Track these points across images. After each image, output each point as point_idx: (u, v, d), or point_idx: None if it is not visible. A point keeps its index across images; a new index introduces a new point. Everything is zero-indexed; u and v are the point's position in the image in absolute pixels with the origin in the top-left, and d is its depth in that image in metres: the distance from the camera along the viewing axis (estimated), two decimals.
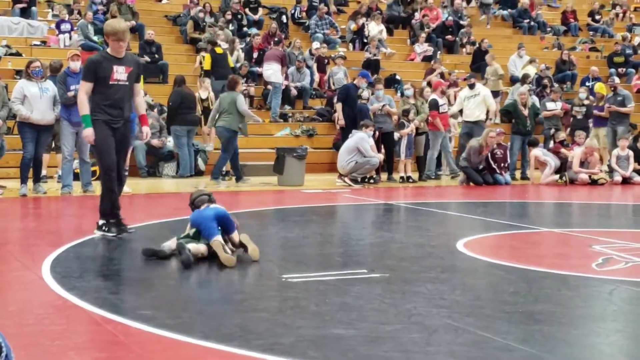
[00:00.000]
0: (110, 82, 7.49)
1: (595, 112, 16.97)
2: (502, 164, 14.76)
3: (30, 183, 11.80)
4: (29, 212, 10.51)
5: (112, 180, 7.65)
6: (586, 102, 17.35)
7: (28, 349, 4.03)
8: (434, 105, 15.06)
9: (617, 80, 18.01)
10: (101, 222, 7.73)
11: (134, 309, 4.90)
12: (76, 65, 11.53)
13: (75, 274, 6.11)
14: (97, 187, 12.00)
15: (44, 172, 12.73)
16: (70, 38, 18.35)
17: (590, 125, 17.06)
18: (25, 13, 19.39)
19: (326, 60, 19.72)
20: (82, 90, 7.55)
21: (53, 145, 12.82)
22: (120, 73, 7.52)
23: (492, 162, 14.57)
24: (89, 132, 7.48)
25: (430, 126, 15.10)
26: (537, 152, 15.33)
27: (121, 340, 4.26)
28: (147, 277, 6.11)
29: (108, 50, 7.67)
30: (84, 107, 7.52)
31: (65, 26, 18.57)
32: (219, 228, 6.58)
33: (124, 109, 7.63)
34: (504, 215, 10.76)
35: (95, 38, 18.01)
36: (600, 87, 17.44)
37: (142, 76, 8.11)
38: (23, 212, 10.49)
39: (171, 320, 4.61)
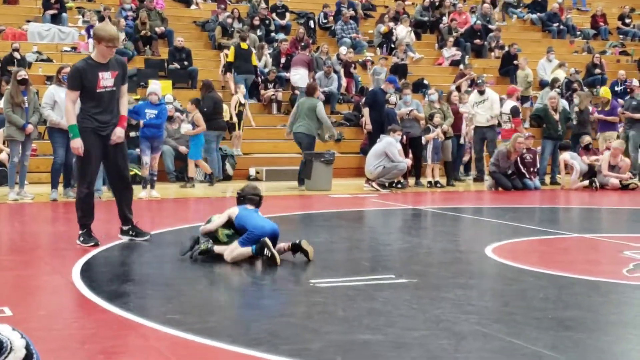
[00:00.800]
0: (98, 90, 7.33)
1: (600, 116, 16.73)
2: (532, 169, 14.65)
3: (60, 188, 11.92)
4: (60, 216, 10.61)
5: (89, 194, 7.53)
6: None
7: (57, 352, 4.06)
8: (516, 112, 15.13)
9: (635, 83, 17.78)
10: (80, 232, 7.55)
11: (162, 314, 4.92)
12: None
13: (105, 278, 6.17)
14: None
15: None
16: None
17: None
18: (55, 19, 19.61)
19: (353, 65, 19.71)
20: (69, 100, 7.37)
21: None
22: (106, 79, 7.36)
23: (521, 167, 14.47)
24: (78, 144, 7.29)
25: (508, 133, 14.95)
26: (565, 156, 15.23)
27: (150, 344, 4.29)
28: (175, 282, 6.14)
29: (92, 56, 7.48)
30: (70, 117, 7.35)
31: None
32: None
33: (113, 114, 7.47)
34: (533, 220, 10.67)
35: (125, 44, 18.18)
36: (605, 92, 17.22)
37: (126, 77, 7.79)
38: (53, 217, 10.59)
39: (199, 325, 4.63)
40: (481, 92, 15.56)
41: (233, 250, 6.69)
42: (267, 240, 6.57)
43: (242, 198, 7.10)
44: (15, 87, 11.49)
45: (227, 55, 18.11)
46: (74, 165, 11.18)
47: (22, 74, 11.63)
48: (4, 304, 5.07)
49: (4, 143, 13.07)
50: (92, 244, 7.42)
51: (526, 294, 5.69)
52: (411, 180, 14.73)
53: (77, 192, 7.67)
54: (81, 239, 7.52)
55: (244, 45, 17.68)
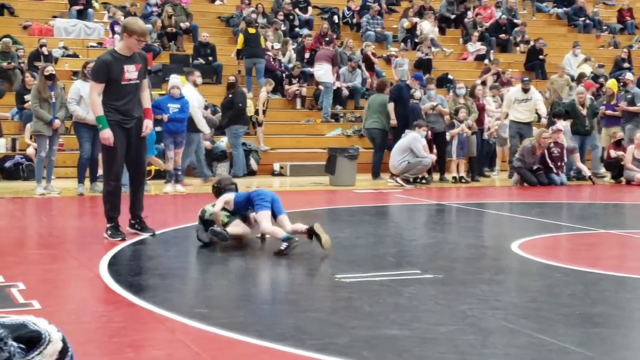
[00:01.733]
0: (123, 83, 7.38)
1: (608, 111, 16.42)
2: (559, 163, 14.55)
3: (87, 182, 12.01)
4: (86, 210, 10.69)
5: (117, 187, 7.60)
6: None
7: (86, 346, 4.10)
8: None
9: (629, 77, 17.50)
10: (107, 225, 7.64)
11: (189, 307, 4.95)
12: None
13: (132, 272, 6.21)
14: (152, 187, 12.20)
15: (100, 171, 12.93)
16: None
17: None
18: (81, 15, 19.75)
19: (376, 60, 19.65)
20: (94, 92, 7.39)
21: None
22: (131, 72, 7.41)
23: (549, 161, 14.38)
24: (107, 134, 7.34)
25: None
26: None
27: (178, 338, 4.32)
28: (202, 276, 6.18)
29: (117, 49, 7.55)
30: (98, 109, 7.37)
31: (119, 28, 18.84)
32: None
33: (135, 107, 7.53)
34: (559, 216, 10.61)
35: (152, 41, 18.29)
36: (612, 84, 16.96)
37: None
38: (80, 211, 10.68)
39: (226, 319, 4.65)
40: (525, 90, 15.37)
41: (266, 226, 6.96)
42: (294, 239, 6.77)
43: (222, 189, 7.48)
44: (42, 83, 11.59)
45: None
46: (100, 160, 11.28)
47: (49, 69, 11.72)
48: (33, 297, 5.12)
49: (31, 138, 13.19)
50: (120, 238, 7.47)
51: (553, 290, 5.66)
52: (435, 176, 14.68)
53: (105, 185, 7.71)
54: (109, 232, 7.57)
55: (251, 30, 18.00)
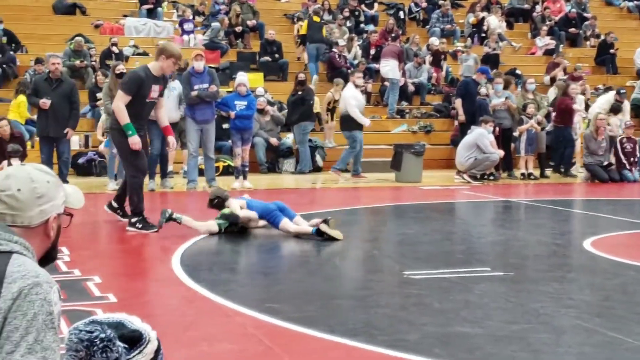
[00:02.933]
0: (147, 100, 7.91)
1: None
2: (632, 159, 14.23)
3: (157, 178, 12.23)
4: (157, 206, 10.84)
5: (142, 182, 8.19)
6: None
7: (161, 339, 4.12)
8: None
9: None
10: (134, 219, 8.01)
11: (261, 302, 5.01)
12: (200, 64, 11.85)
13: (204, 267, 6.31)
14: (220, 183, 12.35)
15: (170, 167, 13.15)
16: (194, 38, 18.90)
17: None
18: (151, 14, 20.08)
19: (442, 56, 19.50)
20: (121, 101, 7.78)
21: (179, 141, 13.23)
22: (155, 92, 7.93)
23: (622, 157, 14.08)
24: (136, 140, 7.78)
25: None
26: None
27: (250, 332, 4.38)
28: (272, 271, 6.25)
29: (150, 67, 7.92)
30: (124, 116, 7.76)
31: (188, 26, 19.13)
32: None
33: (144, 120, 8.15)
34: (632, 213, 10.36)
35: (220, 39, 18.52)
36: None
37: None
38: (151, 207, 10.83)
39: (297, 314, 4.70)
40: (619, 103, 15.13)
41: (294, 229, 7.54)
42: (324, 225, 7.32)
43: (222, 199, 7.97)
44: (113, 81, 11.81)
45: (300, 28, 19.29)
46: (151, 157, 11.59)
47: (121, 67, 11.95)
48: (108, 290, 5.26)
49: (103, 135, 13.49)
50: (153, 229, 7.83)
51: (627, 288, 5.56)
52: (503, 172, 14.50)
53: (132, 181, 8.08)
54: (140, 225, 7.92)
55: (316, 18, 18.62)
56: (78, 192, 2.39)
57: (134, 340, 1.89)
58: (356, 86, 13.72)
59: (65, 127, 11.45)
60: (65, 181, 10.84)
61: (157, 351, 1.93)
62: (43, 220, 2.20)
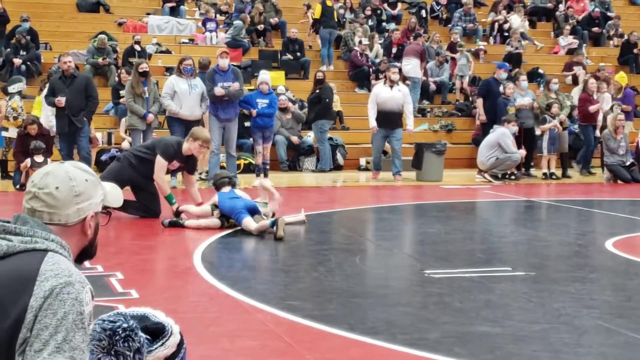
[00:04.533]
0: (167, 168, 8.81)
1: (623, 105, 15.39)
2: None
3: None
4: (179, 203, 10.92)
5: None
6: None
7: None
8: None
9: None
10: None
11: (282, 299, 5.04)
12: (224, 62, 11.90)
13: (225, 264, 6.35)
14: (241, 180, 12.39)
15: None
16: (217, 36, 18.97)
17: None
18: (174, 12, 20.18)
19: (459, 47, 19.35)
20: (162, 171, 8.69)
21: None
22: (174, 166, 8.84)
23: None
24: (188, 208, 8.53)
25: None
26: None
27: (271, 329, 4.40)
28: (292, 269, 6.27)
29: (184, 147, 8.69)
30: (166, 188, 8.79)
31: (210, 24, 19.21)
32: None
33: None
34: None
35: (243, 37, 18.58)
36: (620, 77, 16.08)
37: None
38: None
39: (317, 311, 4.72)
40: None
41: (254, 228, 7.59)
42: (283, 219, 7.50)
43: (215, 185, 8.37)
44: (136, 78, 11.92)
45: (313, 14, 19.57)
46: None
47: (144, 66, 12.04)
48: (131, 286, 5.31)
49: (126, 132, 13.58)
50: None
51: None
52: (519, 171, 14.42)
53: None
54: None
55: (329, 3, 18.95)
56: (116, 189, 2.41)
57: (157, 332, 1.93)
58: (391, 81, 13.54)
59: (82, 122, 11.54)
60: None
61: (180, 345, 1.96)
62: (80, 219, 2.20)
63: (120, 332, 1.92)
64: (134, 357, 1.92)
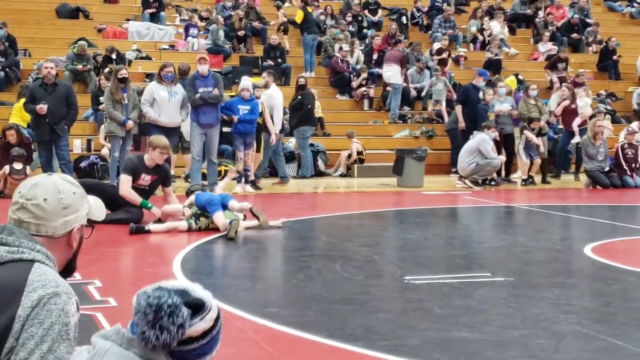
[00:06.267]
0: (134, 185, 8.79)
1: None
2: (633, 165, 14.23)
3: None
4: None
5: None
6: None
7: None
8: None
9: None
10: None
11: (261, 306, 5.01)
12: (203, 68, 11.87)
13: (205, 271, 6.32)
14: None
15: (172, 171, 13.15)
16: (197, 42, 18.92)
17: None
18: (154, 18, 20.11)
19: (447, 53, 19.38)
20: (126, 185, 8.77)
21: (180, 145, 13.25)
22: (145, 180, 8.83)
23: (623, 163, 14.09)
24: (156, 210, 8.67)
25: None
26: None
27: (250, 336, 4.38)
28: (272, 276, 6.25)
29: (145, 158, 8.84)
30: (135, 197, 8.72)
31: (193, 30, 19.16)
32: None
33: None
34: (634, 219, 10.37)
35: (222, 42, 18.54)
36: (510, 81, 16.05)
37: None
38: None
39: (297, 318, 4.70)
40: None
41: (221, 224, 7.92)
42: (238, 221, 7.91)
43: (191, 192, 8.82)
44: (115, 85, 11.85)
45: (284, 14, 20.29)
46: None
47: (123, 72, 11.97)
48: (109, 294, 5.26)
49: (105, 139, 13.50)
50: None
51: (627, 295, 5.56)
52: (499, 177, 14.49)
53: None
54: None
55: (310, 9, 19.23)
56: (100, 203, 2.43)
57: (198, 307, 2.01)
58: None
59: (63, 130, 11.47)
60: None
61: (217, 319, 2.04)
62: (67, 231, 2.22)
63: (166, 307, 1.97)
64: (177, 331, 1.98)
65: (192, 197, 8.51)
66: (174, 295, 2.01)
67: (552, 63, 19.54)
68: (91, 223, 2.37)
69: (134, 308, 2.02)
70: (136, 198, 8.75)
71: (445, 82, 17.73)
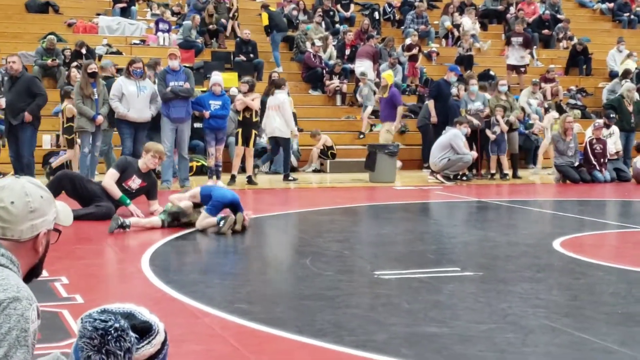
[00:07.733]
0: (123, 184, 8.74)
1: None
2: (602, 160, 14.35)
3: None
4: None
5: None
6: None
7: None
8: None
9: None
10: None
11: (230, 303, 4.99)
12: (174, 63, 11.81)
13: (173, 267, 6.28)
14: (194, 183, 12.30)
15: None
16: (169, 37, 18.80)
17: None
18: (125, 12, 19.95)
19: (417, 49, 19.39)
20: (111, 179, 8.71)
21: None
22: (134, 182, 8.77)
23: (592, 158, 14.21)
24: (133, 207, 8.61)
25: None
26: None
27: (217, 333, 4.35)
28: (242, 272, 6.22)
29: (140, 162, 8.83)
30: (116, 191, 8.64)
31: (163, 25, 19.03)
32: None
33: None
34: (602, 214, 10.47)
35: (194, 38, 18.43)
36: (387, 75, 16.16)
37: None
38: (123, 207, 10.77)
39: (265, 315, 4.68)
40: (608, 126, 15.06)
41: (202, 219, 7.76)
42: (231, 216, 7.69)
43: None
44: (84, 80, 11.73)
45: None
46: None
47: (92, 67, 11.86)
48: (75, 291, 5.20)
49: (75, 134, 13.36)
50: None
51: (595, 289, 5.60)
52: (469, 172, 14.55)
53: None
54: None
55: (272, 8, 19.39)
56: (67, 208, 2.39)
57: (144, 330, 1.94)
58: None
59: (20, 120, 11.30)
60: None
61: (164, 343, 1.98)
62: (33, 235, 2.18)
63: (113, 332, 1.94)
64: (124, 356, 1.94)
65: (197, 189, 8.20)
66: (121, 319, 1.95)
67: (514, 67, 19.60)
68: (58, 229, 2.33)
69: (78, 332, 1.95)
70: (117, 191, 8.66)
71: (370, 87, 17.40)
